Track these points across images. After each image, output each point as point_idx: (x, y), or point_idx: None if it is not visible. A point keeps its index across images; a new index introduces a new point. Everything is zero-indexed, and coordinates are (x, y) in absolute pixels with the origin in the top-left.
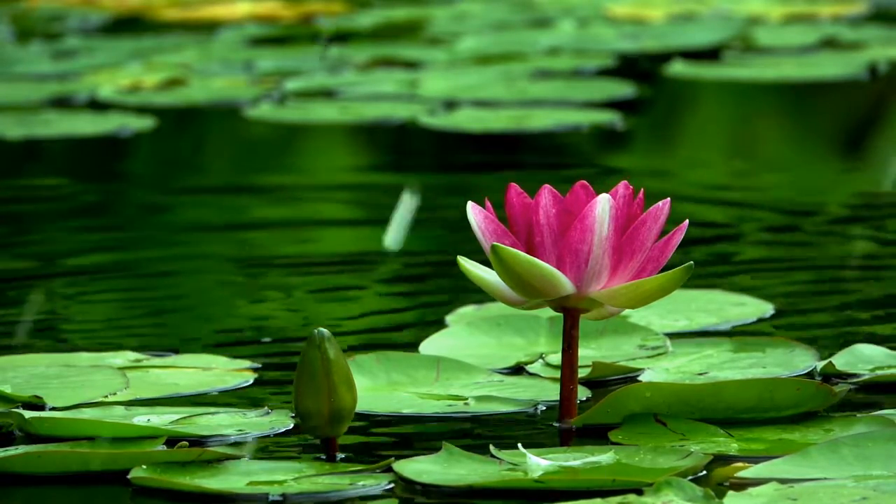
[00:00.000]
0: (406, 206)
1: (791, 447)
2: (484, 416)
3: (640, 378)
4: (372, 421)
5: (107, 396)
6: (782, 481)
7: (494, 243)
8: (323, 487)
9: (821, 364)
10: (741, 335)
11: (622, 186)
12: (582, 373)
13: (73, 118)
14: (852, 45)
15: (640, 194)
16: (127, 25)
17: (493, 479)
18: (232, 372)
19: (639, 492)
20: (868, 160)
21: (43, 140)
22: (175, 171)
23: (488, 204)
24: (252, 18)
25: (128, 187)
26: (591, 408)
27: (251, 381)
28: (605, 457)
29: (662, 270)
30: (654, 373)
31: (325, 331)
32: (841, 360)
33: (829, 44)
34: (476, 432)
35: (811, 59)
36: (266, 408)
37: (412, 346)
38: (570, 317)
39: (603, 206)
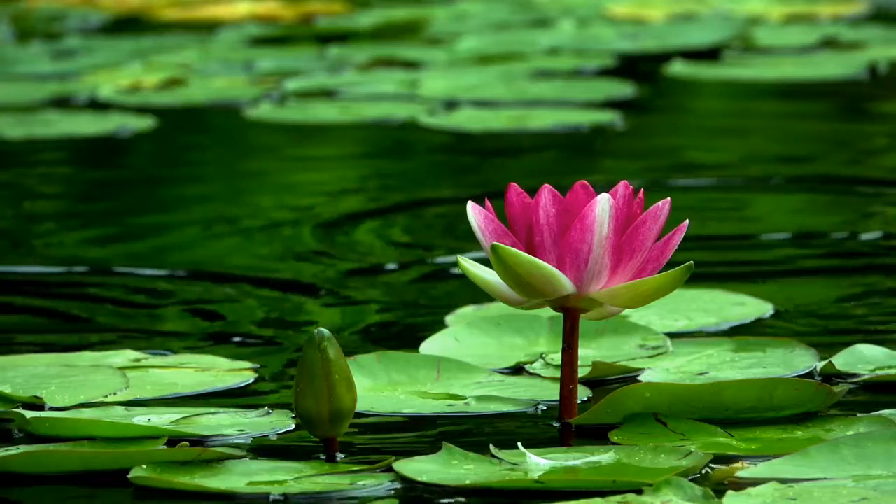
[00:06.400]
0: None
1: (791, 447)
2: (484, 416)
3: (640, 378)
4: (372, 421)
5: (107, 396)
6: (782, 481)
7: (494, 243)
8: (323, 487)
9: (821, 364)
10: (741, 335)
11: (622, 186)
12: (582, 373)
13: (73, 118)
14: (852, 45)
15: (640, 194)
16: (127, 25)
17: (493, 479)
18: (232, 372)
19: (639, 492)
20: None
21: (43, 140)
22: (175, 170)
23: (488, 203)
24: (252, 18)
25: (127, 187)
26: (591, 408)
27: (251, 381)
28: (605, 457)
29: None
30: (654, 373)
31: (325, 331)
32: (841, 360)
33: (829, 44)
34: (476, 432)
35: (811, 59)
36: (266, 408)
37: (413, 346)
38: (570, 317)
39: (603, 205)
